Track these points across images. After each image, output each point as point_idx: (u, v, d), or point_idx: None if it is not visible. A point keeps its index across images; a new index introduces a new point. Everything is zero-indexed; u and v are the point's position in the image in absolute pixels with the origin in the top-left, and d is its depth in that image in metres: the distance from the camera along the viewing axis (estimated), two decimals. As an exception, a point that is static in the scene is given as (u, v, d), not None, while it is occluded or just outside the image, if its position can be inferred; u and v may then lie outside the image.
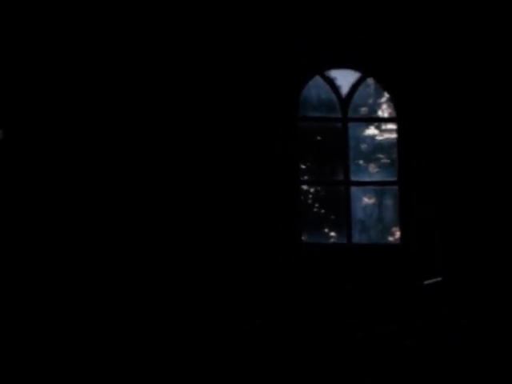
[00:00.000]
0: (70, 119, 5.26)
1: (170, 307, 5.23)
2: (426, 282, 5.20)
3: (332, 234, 6.12)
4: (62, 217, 5.49)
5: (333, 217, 5.81)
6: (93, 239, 5.35)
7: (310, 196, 6.02)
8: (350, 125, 5.49)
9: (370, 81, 5.83)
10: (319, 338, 5.10)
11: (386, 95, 6.00)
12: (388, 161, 6.01)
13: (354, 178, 5.47)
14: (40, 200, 5.37)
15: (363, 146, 5.99)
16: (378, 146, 6.04)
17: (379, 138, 6.04)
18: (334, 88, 5.45)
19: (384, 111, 6.18)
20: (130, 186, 5.17)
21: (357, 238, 5.61)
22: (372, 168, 5.92)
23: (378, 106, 6.05)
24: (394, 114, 5.67)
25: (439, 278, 5.13)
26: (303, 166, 5.50)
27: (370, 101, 5.81)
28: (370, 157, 5.89)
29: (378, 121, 5.95)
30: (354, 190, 5.93)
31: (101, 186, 5.22)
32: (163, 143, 5.22)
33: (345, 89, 5.56)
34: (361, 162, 6.08)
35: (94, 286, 5.37)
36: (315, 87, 6.21)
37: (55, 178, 5.35)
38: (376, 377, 5.46)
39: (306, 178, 5.85)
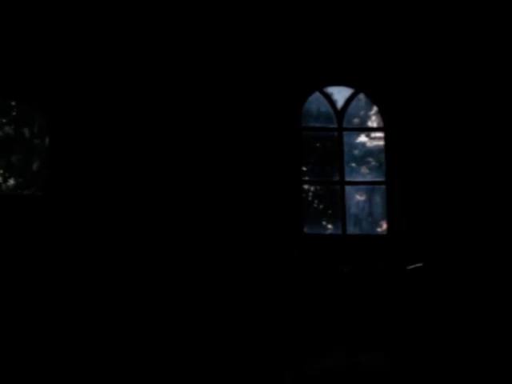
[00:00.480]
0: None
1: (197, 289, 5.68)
2: (409, 267, 5.86)
3: (329, 226, 6.62)
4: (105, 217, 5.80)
5: (330, 211, 6.31)
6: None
7: (311, 194, 6.49)
8: (345, 133, 6.21)
9: (362, 96, 6.33)
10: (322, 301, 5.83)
11: (375, 108, 6.46)
12: (377, 164, 6.51)
13: (347, 179, 6.10)
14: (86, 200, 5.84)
15: (356, 152, 6.45)
16: (368, 152, 6.49)
17: (369, 144, 6.50)
18: (331, 102, 6.16)
19: (373, 122, 6.65)
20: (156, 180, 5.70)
21: (351, 229, 6.16)
22: (363, 170, 6.36)
23: (368, 117, 6.53)
24: (381, 124, 6.35)
25: (420, 264, 5.84)
26: (304, 168, 5.86)
27: (362, 113, 6.29)
28: (361, 160, 6.33)
29: (368, 130, 6.26)
30: (348, 188, 6.49)
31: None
32: (189, 145, 5.66)
33: (340, 103, 6.20)
34: (353, 164, 6.53)
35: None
36: (315, 101, 6.76)
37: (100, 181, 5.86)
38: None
39: (306, 178, 6.23)
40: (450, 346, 6.02)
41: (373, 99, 6.30)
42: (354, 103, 6.35)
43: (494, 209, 6.09)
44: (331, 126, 6.19)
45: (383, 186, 6.22)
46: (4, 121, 6.99)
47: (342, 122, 6.13)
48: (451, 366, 5.83)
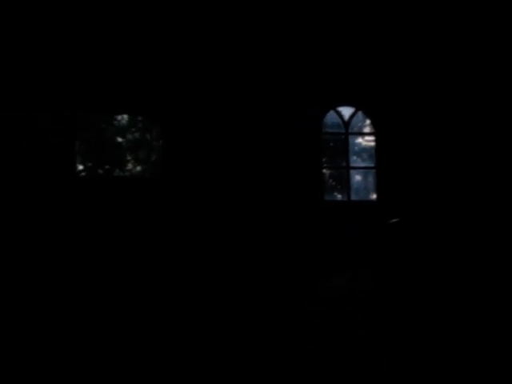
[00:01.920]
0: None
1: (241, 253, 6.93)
2: (390, 221, 7.23)
3: (339, 195, 8.35)
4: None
5: (339, 186, 8.07)
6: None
7: (327, 175, 8.16)
8: (349, 136, 7.83)
9: (360, 113, 7.55)
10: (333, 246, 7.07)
11: (368, 121, 7.59)
12: (369, 156, 8.13)
13: (351, 165, 7.61)
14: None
15: (356, 148, 8.03)
16: (364, 148, 8.03)
17: (364, 143, 8.01)
18: (340, 116, 7.77)
19: (367, 129, 8.15)
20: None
21: (353, 197, 7.79)
22: (360, 160, 7.92)
23: (364, 126, 8.08)
24: (373, 131, 7.72)
25: (397, 219, 7.18)
26: (324, 159, 8.02)
27: (360, 123, 7.83)
28: (359, 154, 7.91)
29: (364, 134, 8.46)
30: (351, 172, 8.19)
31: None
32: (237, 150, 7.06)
33: (346, 117, 7.73)
34: (354, 157, 8.19)
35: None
36: (330, 116, 8.15)
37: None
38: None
39: (325, 165, 7.83)
40: (415, 273, 7.00)
41: (367, 115, 7.82)
42: (355, 117, 7.81)
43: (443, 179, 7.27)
44: (340, 131, 7.84)
45: (373, 170, 7.68)
46: (133, 129, 8.56)
47: (347, 129, 7.76)
48: (416, 288, 6.81)
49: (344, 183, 7.75)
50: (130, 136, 8.61)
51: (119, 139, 8.69)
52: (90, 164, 8.44)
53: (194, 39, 6.94)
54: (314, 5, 7.03)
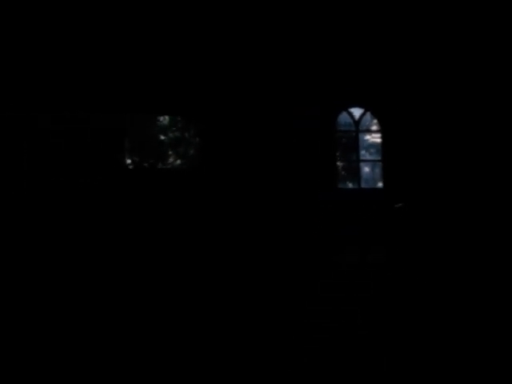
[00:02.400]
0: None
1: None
2: (396, 206, 7.82)
3: (350, 184, 9.16)
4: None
5: (351, 176, 8.96)
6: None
7: (340, 167, 8.97)
8: (359, 134, 8.21)
9: (368, 113, 8.15)
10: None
11: (375, 120, 8.32)
12: (376, 151, 8.90)
13: (361, 158, 8.44)
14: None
15: (364, 144, 8.77)
16: (371, 144, 8.77)
17: (372, 140, 8.77)
18: (352, 116, 8.25)
19: (374, 127, 8.86)
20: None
21: (362, 185, 8.52)
22: (369, 154, 8.66)
23: (372, 124, 8.81)
24: (379, 128, 8.31)
25: (401, 204, 7.79)
26: (337, 154, 8.25)
27: (368, 122, 8.58)
28: (367, 148, 8.68)
29: (372, 132, 8.43)
30: (361, 164, 9.07)
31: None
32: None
33: (356, 116, 8.80)
34: (363, 151, 8.96)
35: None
36: (343, 116, 8.80)
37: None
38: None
39: (338, 158, 8.06)
40: (421, 247, 7.57)
41: (374, 115, 8.23)
42: (364, 117, 8.30)
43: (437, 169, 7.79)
44: (351, 129, 8.52)
45: (380, 163, 8.90)
46: (174, 128, 9.39)
47: (357, 127, 8.36)
48: (421, 260, 7.15)
49: (355, 173, 8.68)
50: (171, 134, 9.51)
51: (162, 137, 9.62)
52: (136, 159, 9.16)
53: (220, 55, 7.60)
54: (334, 29, 7.65)
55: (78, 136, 7.48)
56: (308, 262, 7.33)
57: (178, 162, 9.30)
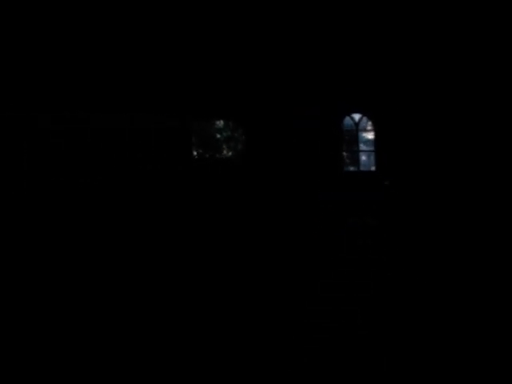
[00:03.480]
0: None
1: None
2: (385, 183, 9.23)
3: (352, 168, 11.50)
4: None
5: (353, 163, 11.40)
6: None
7: (345, 156, 10.91)
8: (359, 132, 9.35)
9: (365, 118, 10.59)
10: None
11: (370, 122, 9.66)
12: (371, 143, 10.95)
13: (360, 149, 9.35)
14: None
15: (363, 139, 11.04)
16: (367, 139, 11.11)
17: (368, 136, 11.10)
18: (353, 119, 9.70)
19: (369, 127, 11.14)
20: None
21: (361, 168, 10.50)
22: (366, 146, 10.95)
23: (367, 125, 11.17)
24: (373, 128, 9.36)
25: (388, 182, 9.16)
26: (343, 147, 9.16)
27: (364, 123, 10.91)
28: (365, 142, 11.06)
29: (368, 131, 10.07)
30: (360, 154, 10.94)
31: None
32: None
33: (356, 119, 11.34)
34: (362, 144, 11.25)
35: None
36: (347, 119, 11.21)
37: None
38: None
39: (344, 150, 9.05)
40: (403, 213, 8.57)
41: (370, 119, 9.38)
42: (362, 120, 10.96)
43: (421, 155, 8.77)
44: (353, 129, 9.73)
45: (373, 152, 11.25)
46: (227, 129, 11.00)
47: (357, 127, 9.71)
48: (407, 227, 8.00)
49: (356, 160, 10.83)
50: (224, 133, 11.16)
51: (218, 135, 11.17)
52: (200, 151, 11.11)
53: (254, 76, 8.69)
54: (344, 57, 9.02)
55: (152, 135, 8.29)
56: (327, 223, 8.46)
57: (230, 153, 11.17)
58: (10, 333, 3.69)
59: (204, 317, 4.00)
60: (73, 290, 4.58)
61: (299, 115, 9.28)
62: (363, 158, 12.61)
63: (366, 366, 3.08)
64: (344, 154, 11.63)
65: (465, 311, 3.95)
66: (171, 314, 4.02)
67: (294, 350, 3.40)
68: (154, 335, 3.57)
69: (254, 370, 3.09)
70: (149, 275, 5.06)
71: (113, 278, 4.93)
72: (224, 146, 11.23)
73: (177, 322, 3.85)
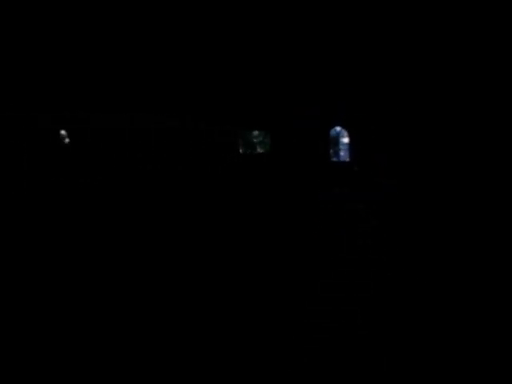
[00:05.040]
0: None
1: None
2: (354, 169, 11.53)
3: (335, 159, 16.90)
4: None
5: (335, 155, 16.88)
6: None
7: (331, 153, 16.27)
8: (340, 139, 14.77)
9: (344, 130, 13.16)
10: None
11: (346, 133, 13.16)
12: (347, 146, 16.13)
13: (340, 148, 14.82)
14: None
15: (342, 142, 16.66)
16: (345, 143, 16.78)
17: (345, 141, 16.71)
18: (335, 131, 15.00)
19: (346, 135, 16.42)
20: None
21: (340, 159, 15.37)
22: (344, 147, 16.76)
23: (345, 133, 16.71)
24: (348, 135, 10.74)
25: (357, 168, 11.48)
26: (329, 146, 10.44)
27: (344, 133, 16.47)
28: (343, 145, 16.81)
29: (346, 138, 14.52)
30: (340, 151, 17.52)
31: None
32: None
33: (338, 130, 14.39)
34: (341, 146, 17.00)
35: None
36: (332, 131, 14.40)
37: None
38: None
39: (330, 148, 10.42)
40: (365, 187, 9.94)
41: (347, 130, 10.98)
42: (342, 131, 14.81)
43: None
44: (337, 136, 14.47)
45: (348, 150, 11.19)
46: (260, 135, 14.99)
47: (339, 135, 14.54)
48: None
49: (337, 155, 17.57)
50: (260, 138, 14.36)
51: (254, 140, 14.57)
52: (242, 149, 13.81)
53: (276, 88, 8.49)
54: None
55: (187, 141, 7.80)
56: (320, 192, 9.32)
57: (260, 151, 14.56)
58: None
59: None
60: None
61: (300, 124, 10.80)
62: (342, 153, 19.96)
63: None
64: (331, 151, 12.43)
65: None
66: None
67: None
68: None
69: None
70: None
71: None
72: (258, 147, 15.41)
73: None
